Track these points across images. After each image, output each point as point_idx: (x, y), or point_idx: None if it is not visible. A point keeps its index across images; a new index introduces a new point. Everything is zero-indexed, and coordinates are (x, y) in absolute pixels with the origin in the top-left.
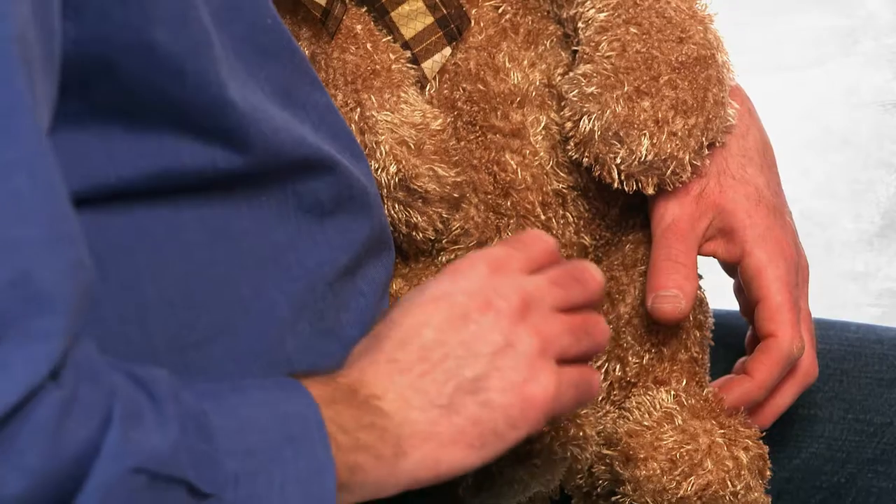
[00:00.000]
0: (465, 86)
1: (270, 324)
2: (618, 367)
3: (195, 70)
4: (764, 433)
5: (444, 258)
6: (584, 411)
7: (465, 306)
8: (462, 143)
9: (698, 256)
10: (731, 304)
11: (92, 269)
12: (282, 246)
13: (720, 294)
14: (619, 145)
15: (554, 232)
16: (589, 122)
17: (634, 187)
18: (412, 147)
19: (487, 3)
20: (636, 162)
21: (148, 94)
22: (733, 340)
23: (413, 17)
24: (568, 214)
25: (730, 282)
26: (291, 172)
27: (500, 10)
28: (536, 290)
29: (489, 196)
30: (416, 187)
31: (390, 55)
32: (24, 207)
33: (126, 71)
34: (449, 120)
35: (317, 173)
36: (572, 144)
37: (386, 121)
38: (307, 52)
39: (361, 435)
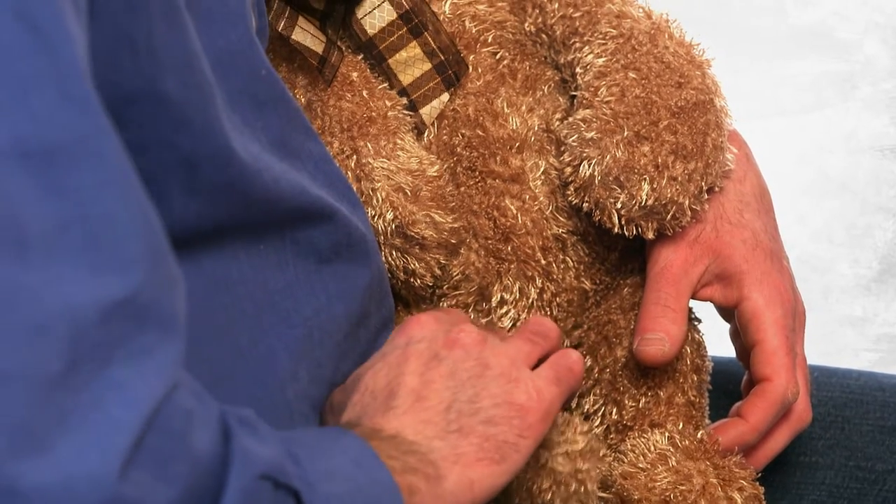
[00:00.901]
0: (463, 131)
1: (269, 372)
2: (614, 410)
3: (202, 120)
4: (760, 474)
5: (445, 304)
6: (586, 466)
7: (431, 349)
8: (462, 189)
9: (699, 301)
10: (732, 350)
11: (183, 280)
12: (280, 294)
13: (722, 339)
14: (619, 190)
15: (554, 276)
16: (589, 167)
17: (634, 232)
18: (409, 194)
19: (485, 50)
20: (636, 207)
21: (157, 147)
22: (734, 388)
23: (411, 64)
24: (568, 259)
25: None
26: (290, 221)
27: (497, 56)
28: (481, 329)
29: (489, 241)
30: (412, 234)
31: (386, 102)
32: (119, 228)
33: (135, 123)
34: (448, 165)
35: (315, 222)
36: (572, 189)
37: (382, 168)
38: (303, 99)
39: (407, 459)
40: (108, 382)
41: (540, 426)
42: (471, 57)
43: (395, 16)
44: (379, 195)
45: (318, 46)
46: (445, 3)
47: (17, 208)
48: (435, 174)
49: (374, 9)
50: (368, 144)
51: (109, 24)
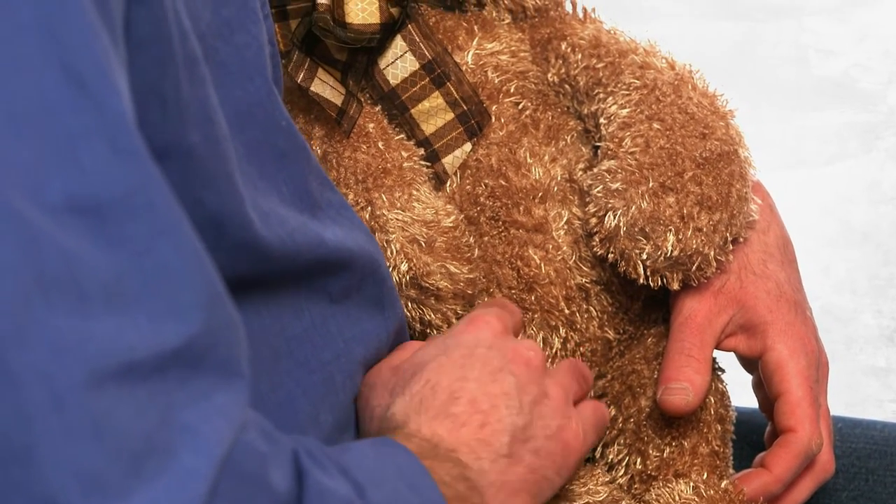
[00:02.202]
0: (487, 181)
1: (289, 417)
2: (638, 460)
3: (224, 175)
4: None
5: None
6: None
7: (499, 360)
8: (485, 239)
9: (723, 352)
10: (756, 401)
11: (242, 322)
12: (296, 340)
13: (745, 390)
14: (644, 241)
15: (578, 326)
16: (614, 217)
17: (659, 283)
18: (423, 245)
19: (508, 100)
20: (662, 258)
21: (187, 204)
22: (758, 438)
23: (433, 114)
24: (591, 308)
25: None
26: (308, 271)
27: (520, 106)
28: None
29: (513, 291)
30: (427, 285)
31: (402, 153)
32: (175, 276)
33: (167, 180)
34: (471, 215)
35: (334, 270)
36: (597, 240)
37: (397, 219)
38: (319, 151)
39: (458, 486)
40: (175, 430)
41: (573, 469)
42: (493, 107)
43: (417, 66)
44: (393, 246)
45: (336, 98)
46: (468, 53)
47: (74, 262)
48: (450, 225)
49: (397, 59)
50: (383, 196)
51: (140, 79)
